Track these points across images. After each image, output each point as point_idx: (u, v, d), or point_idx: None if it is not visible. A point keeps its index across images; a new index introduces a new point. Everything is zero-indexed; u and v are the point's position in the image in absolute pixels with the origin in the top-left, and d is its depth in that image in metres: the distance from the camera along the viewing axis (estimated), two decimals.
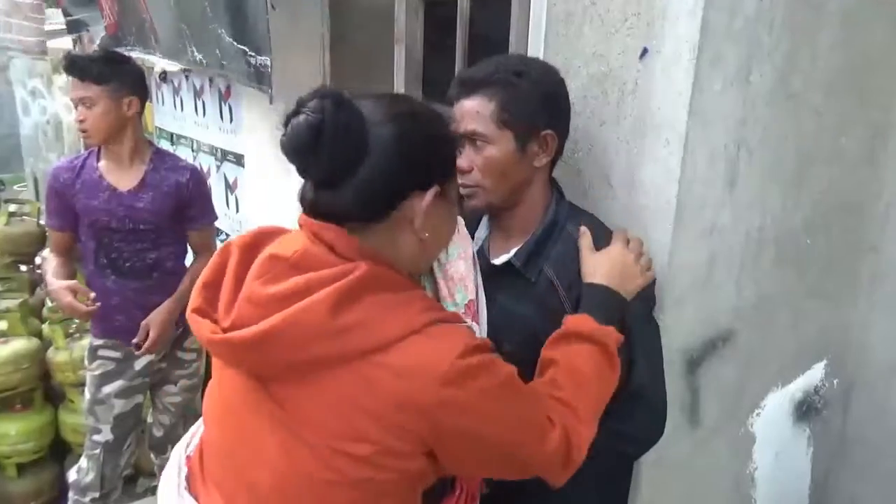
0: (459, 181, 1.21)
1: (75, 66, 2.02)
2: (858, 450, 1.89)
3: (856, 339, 1.82)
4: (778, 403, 1.69)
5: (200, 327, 0.89)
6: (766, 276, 1.51)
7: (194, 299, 0.93)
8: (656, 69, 1.25)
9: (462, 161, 1.20)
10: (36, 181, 6.32)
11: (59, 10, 4.18)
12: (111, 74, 2.04)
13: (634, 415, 1.19)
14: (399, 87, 2.08)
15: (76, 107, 2.04)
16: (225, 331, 0.86)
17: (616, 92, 1.32)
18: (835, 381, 1.83)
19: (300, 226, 0.93)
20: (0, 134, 9.09)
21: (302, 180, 0.93)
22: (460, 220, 1.07)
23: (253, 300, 0.85)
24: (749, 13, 1.24)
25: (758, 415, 1.65)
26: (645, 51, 1.26)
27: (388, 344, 0.82)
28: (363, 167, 0.85)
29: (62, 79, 4.91)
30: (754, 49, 1.28)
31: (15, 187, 7.57)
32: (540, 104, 1.18)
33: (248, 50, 2.06)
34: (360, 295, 0.83)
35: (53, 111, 5.43)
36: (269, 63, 1.95)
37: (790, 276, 1.57)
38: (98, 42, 3.49)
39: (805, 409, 1.78)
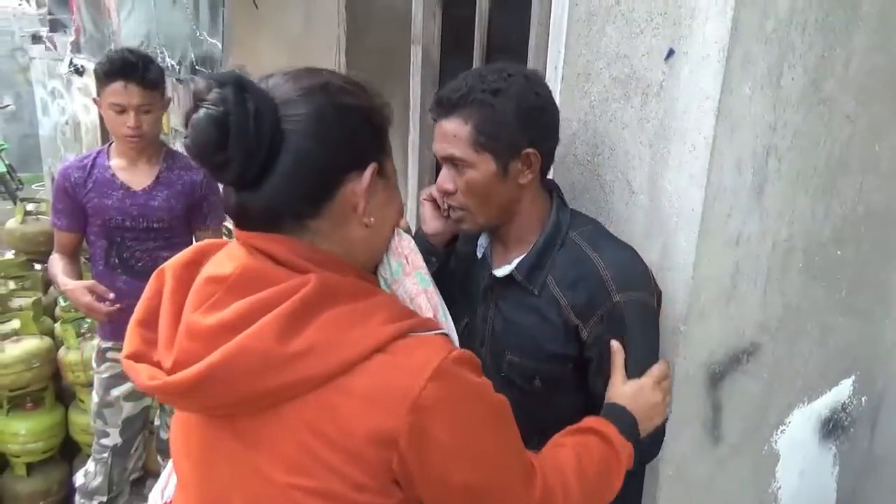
0: (447, 202, 1.19)
1: (135, 71, 1.91)
2: (886, 469, 1.82)
3: (885, 355, 1.75)
4: (803, 420, 1.63)
5: (137, 374, 0.78)
6: (793, 289, 1.45)
7: (129, 343, 0.82)
8: (683, 71, 1.20)
9: (446, 183, 1.16)
10: (53, 181, 6.37)
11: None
12: (161, 78, 2.01)
13: None
14: (415, 88, 2.05)
15: (128, 112, 1.93)
16: (168, 371, 0.75)
17: (640, 94, 1.28)
18: (863, 399, 1.76)
19: (237, 239, 0.82)
20: (21, 134, 9.24)
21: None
22: (405, 236, 0.92)
23: (193, 334, 0.74)
24: (781, 14, 1.19)
25: (782, 432, 1.59)
26: (671, 52, 1.21)
27: (350, 366, 0.72)
28: (283, 156, 0.74)
29: (81, 80, 4.95)
30: (786, 51, 1.22)
31: (33, 186, 7.66)
32: (519, 123, 1.12)
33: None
34: (313, 313, 0.72)
35: (72, 112, 5.47)
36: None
37: (818, 288, 1.51)
38: (69, 49, 3.50)
39: (831, 427, 1.72)
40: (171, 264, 0.84)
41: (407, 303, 0.89)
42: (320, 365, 0.71)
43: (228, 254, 0.81)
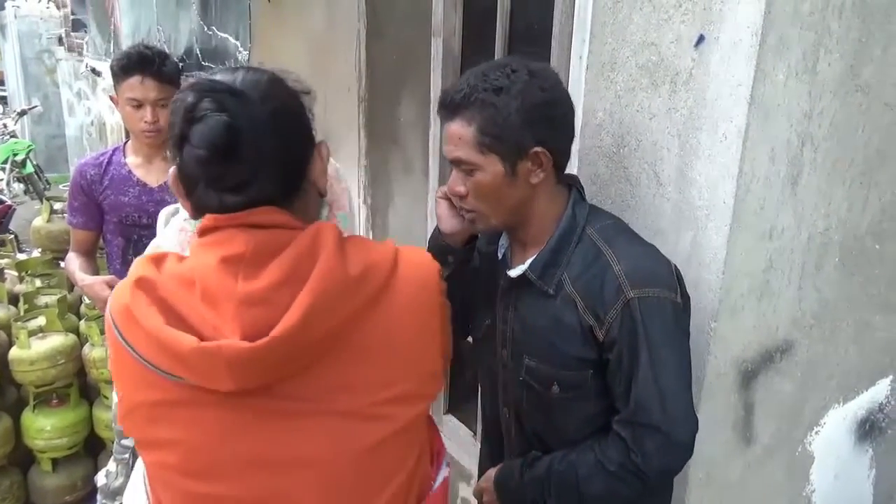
0: (458, 205, 1.16)
1: (151, 65, 1.90)
2: None
3: None
4: (839, 421, 1.57)
5: (210, 354, 0.75)
6: (828, 284, 1.40)
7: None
8: (713, 58, 1.16)
9: (457, 185, 1.12)
10: None
11: None
12: (177, 73, 1.99)
13: (644, 445, 1.07)
14: (436, 82, 2.02)
15: (145, 107, 1.92)
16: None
17: (668, 83, 1.23)
18: None
19: (209, 229, 0.82)
20: (48, 134, 9.39)
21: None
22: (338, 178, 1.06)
23: (254, 300, 0.76)
24: None
25: (816, 433, 1.54)
26: (701, 38, 1.17)
27: (391, 271, 0.85)
28: (270, 153, 0.82)
29: (106, 81, 5.00)
30: (822, 36, 1.17)
31: (60, 186, 7.78)
32: (525, 122, 1.06)
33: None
34: (345, 244, 0.84)
35: (97, 112, 5.54)
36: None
37: (855, 284, 1.45)
38: (85, 49, 3.44)
39: (868, 428, 1.66)
40: (128, 286, 0.84)
41: None
42: (377, 278, 0.83)
43: (228, 238, 0.80)
